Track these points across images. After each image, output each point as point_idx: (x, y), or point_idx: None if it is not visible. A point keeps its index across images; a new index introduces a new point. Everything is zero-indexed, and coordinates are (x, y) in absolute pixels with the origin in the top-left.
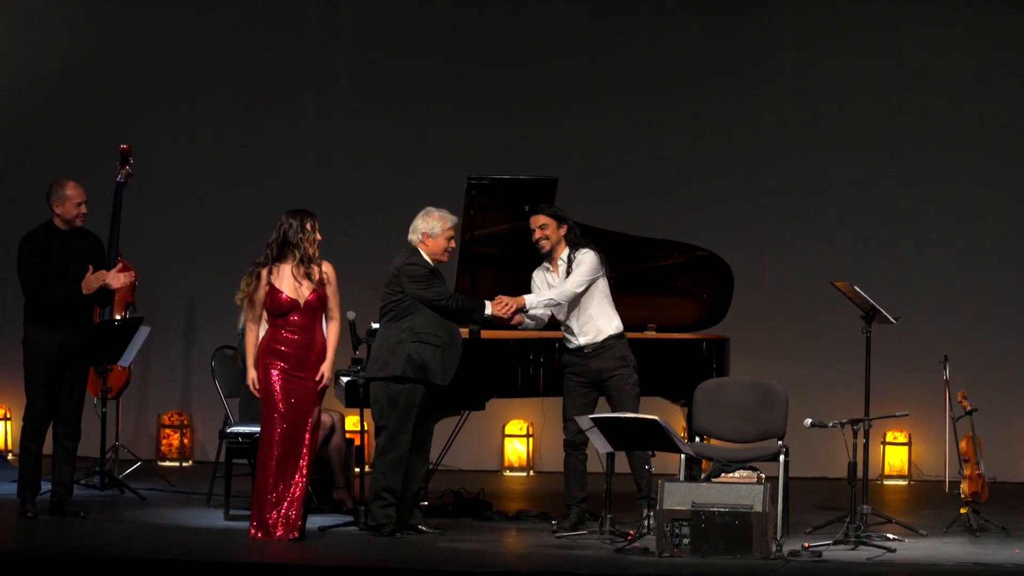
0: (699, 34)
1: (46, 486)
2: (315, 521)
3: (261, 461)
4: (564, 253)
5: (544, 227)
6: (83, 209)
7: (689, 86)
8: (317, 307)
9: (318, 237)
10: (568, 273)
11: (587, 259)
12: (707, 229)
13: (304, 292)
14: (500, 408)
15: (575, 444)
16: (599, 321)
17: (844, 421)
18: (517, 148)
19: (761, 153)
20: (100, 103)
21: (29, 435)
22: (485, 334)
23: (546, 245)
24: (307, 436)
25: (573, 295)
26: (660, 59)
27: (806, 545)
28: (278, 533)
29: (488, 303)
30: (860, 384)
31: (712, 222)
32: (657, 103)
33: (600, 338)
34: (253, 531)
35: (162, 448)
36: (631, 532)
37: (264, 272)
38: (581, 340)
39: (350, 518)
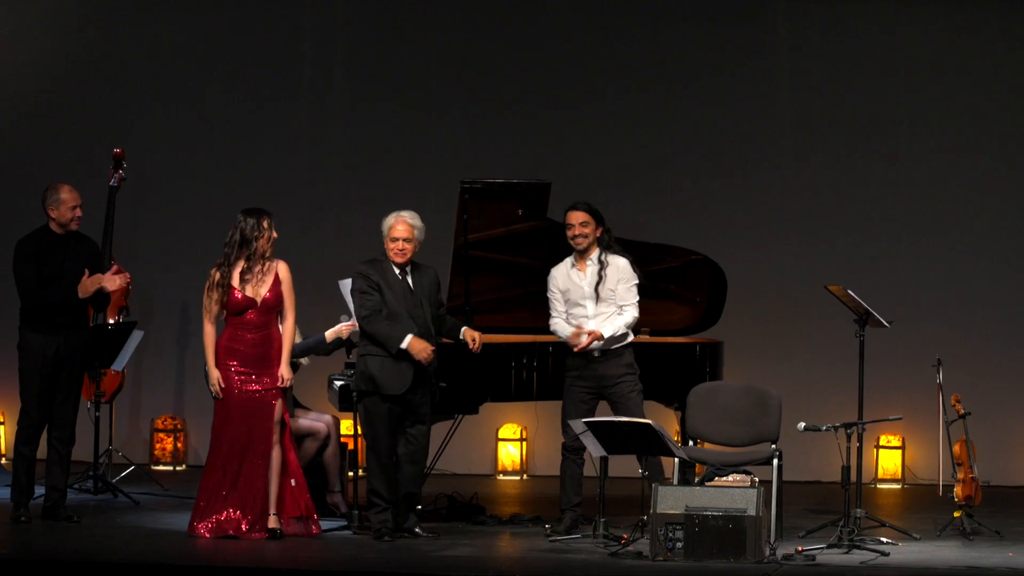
0: (691, 36)
1: (39, 490)
2: None
3: (212, 459)
4: (595, 254)
5: (585, 224)
6: (78, 212)
7: (682, 89)
8: (273, 306)
9: (274, 235)
10: (599, 276)
11: (628, 268)
12: (701, 233)
13: (261, 291)
14: (493, 412)
15: (574, 448)
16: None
17: (838, 425)
18: (511, 152)
19: (754, 156)
20: (93, 107)
21: (23, 440)
22: (482, 338)
23: (583, 243)
24: (272, 434)
25: (635, 316)
26: (652, 61)
27: (799, 549)
28: (242, 532)
29: (409, 337)
30: (853, 388)
31: (706, 226)
32: (650, 106)
33: (612, 345)
34: (198, 530)
35: (155, 452)
36: (625, 536)
37: (214, 271)
38: (594, 344)
39: (344, 522)
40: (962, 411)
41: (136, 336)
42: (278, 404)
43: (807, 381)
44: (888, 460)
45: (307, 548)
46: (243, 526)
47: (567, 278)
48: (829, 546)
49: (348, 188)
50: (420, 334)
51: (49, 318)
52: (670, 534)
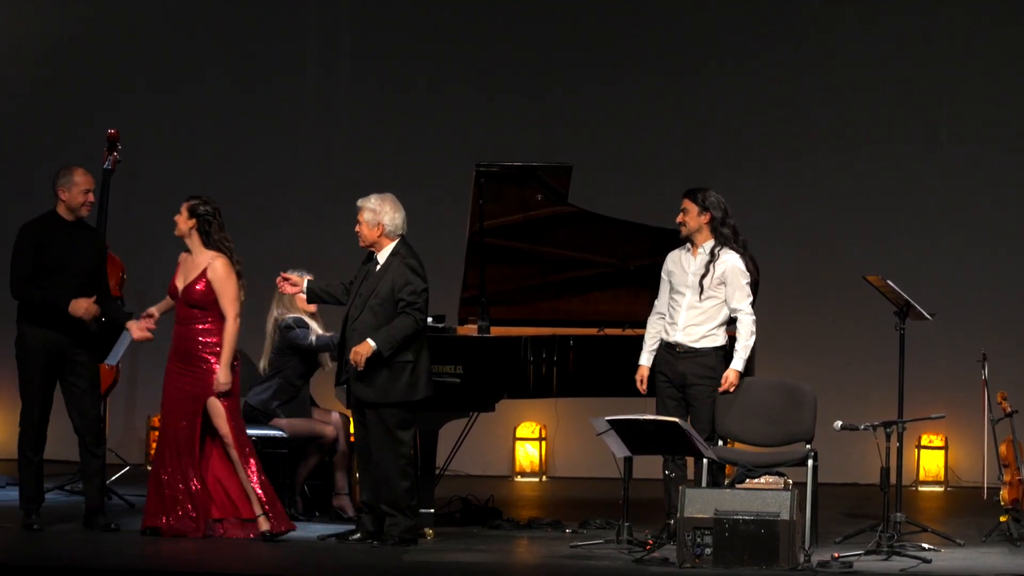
0: (725, 17)
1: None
2: (315, 529)
3: (156, 456)
4: (708, 243)
5: (684, 211)
6: (90, 198)
7: (714, 72)
8: (192, 300)
9: (188, 224)
10: (706, 268)
11: (737, 266)
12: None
13: (180, 283)
14: (511, 410)
15: None
16: (709, 326)
17: (876, 424)
18: (531, 134)
19: (788, 144)
20: (86, 85)
21: (29, 445)
22: (495, 330)
23: (683, 229)
24: (178, 433)
25: (752, 317)
26: (684, 43)
27: (836, 555)
28: (184, 530)
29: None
30: (893, 384)
31: (738, 215)
32: (680, 89)
33: (698, 345)
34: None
35: (151, 452)
36: (650, 541)
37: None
38: (678, 337)
39: (351, 526)
40: (1009, 409)
41: (127, 335)
42: (211, 404)
43: (844, 377)
44: (930, 461)
45: (311, 553)
46: (191, 525)
47: (677, 260)
48: (867, 552)
49: (355, 172)
50: (352, 321)
51: (50, 310)
52: (698, 539)
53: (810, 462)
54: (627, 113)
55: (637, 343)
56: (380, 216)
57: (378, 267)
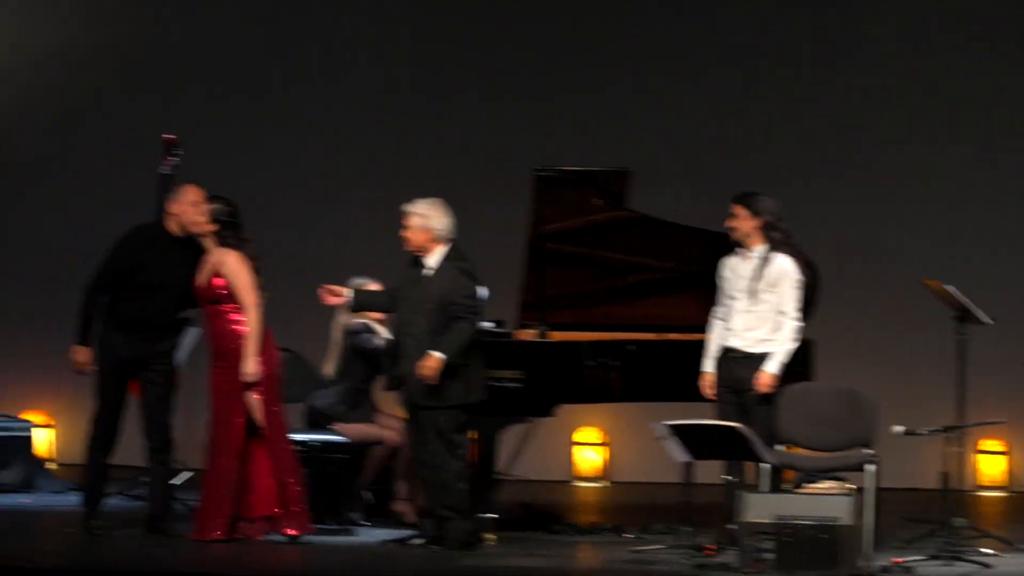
0: (783, 17)
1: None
2: (376, 534)
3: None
4: (761, 248)
5: (734, 215)
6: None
7: (774, 75)
8: (206, 296)
9: (197, 219)
10: (760, 269)
11: (788, 269)
12: (791, 225)
13: (199, 278)
14: (571, 415)
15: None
16: (765, 331)
17: (937, 428)
18: (592, 138)
19: (845, 146)
20: (145, 91)
21: (96, 445)
22: (554, 335)
23: (733, 234)
24: (231, 433)
25: (797, 325)
26: (745, 45)
27: (896, 560)
28: (213, 535)
29: None
30: (953, 389)
31: (796, 218)
32: (740, 92)
33: (755, 349)
34: (195, 534)
35: None
36: (711, 546)
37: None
38: (735, 342)
39: (412, 531)
40: None
41: (192, 333)
42: (249, 400)
43: (904, 382)
44: (991, 466)
45: (375, 557)
46: (223, 527)
47: (731, 266)
48: (928, 557)
49: (405, 177)
50: (404, 325)
51: (140, 323)
52: (759, 544)
53: (871, 467)
54: (689, 119)
55: (696, 348)
56: (429, 221)
57: (429, 272)
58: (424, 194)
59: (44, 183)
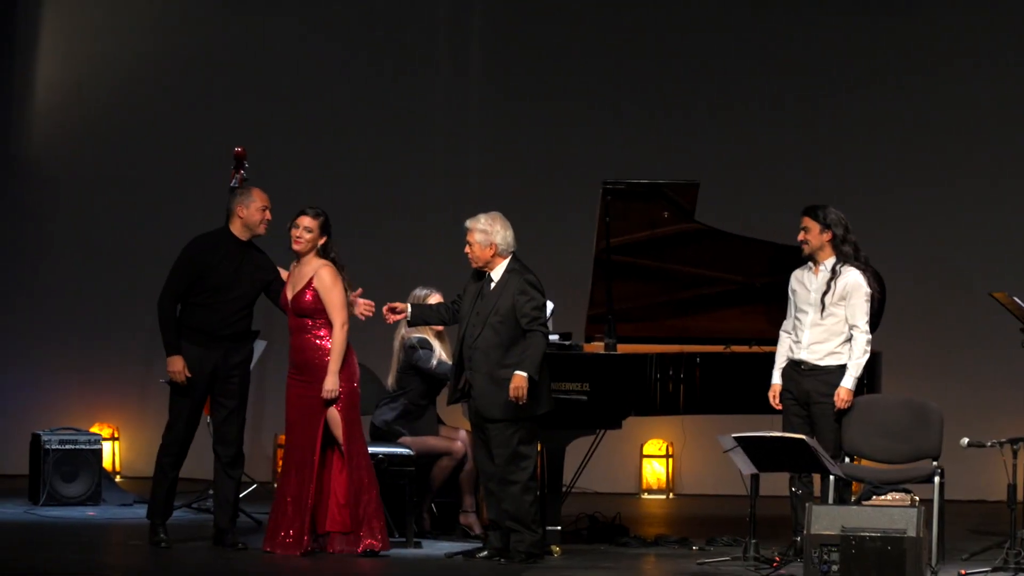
0: (849, 33)
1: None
2: (442, 547)
3: (282, 473)
4: (830, 260)
5: (806, 229)
6: (268, 215)
7: (834, 82)
8: (303, 310)
9: (305, 235)
10: (828, 286)
11: (859, 281)
12: (863, 239)
13: (290, 292)
14: (638, 427)
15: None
16: (833, 344)
17: (1003, 440)
18: (658, 151)
19: (915, 158)
20: (214, 104)
21: (169, 461)
22: (622, 348)
23: (805, 248)
24: (312, 445)
25: (867, 336)
26: (809, 60)
27: (963, 572)
28: (288, 549)
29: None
30: (1020, 401)
31: (862, 230)
32: (805, 106)
33: (824, 362)
34: (266, 547)
35: (279, 469)
36: (777, 559)
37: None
38: (803, 355)
39: (479, 544)
40: None
41: (259, 346)
42: (330, 415)
43: (970, 394)
44: None
45: (440, 571)
46: (297, 541)
47: (800, 279)
48: (994, 569)
49: (482, 190)
50: (472, 340)
51: (210, 330)
52: (825, 556)
53: (937, 479)
54: (754, 131)
55: (764, 360)
56: (492, 236)
57: (493, 285)
58: (489, 207)
59: (110, 197)
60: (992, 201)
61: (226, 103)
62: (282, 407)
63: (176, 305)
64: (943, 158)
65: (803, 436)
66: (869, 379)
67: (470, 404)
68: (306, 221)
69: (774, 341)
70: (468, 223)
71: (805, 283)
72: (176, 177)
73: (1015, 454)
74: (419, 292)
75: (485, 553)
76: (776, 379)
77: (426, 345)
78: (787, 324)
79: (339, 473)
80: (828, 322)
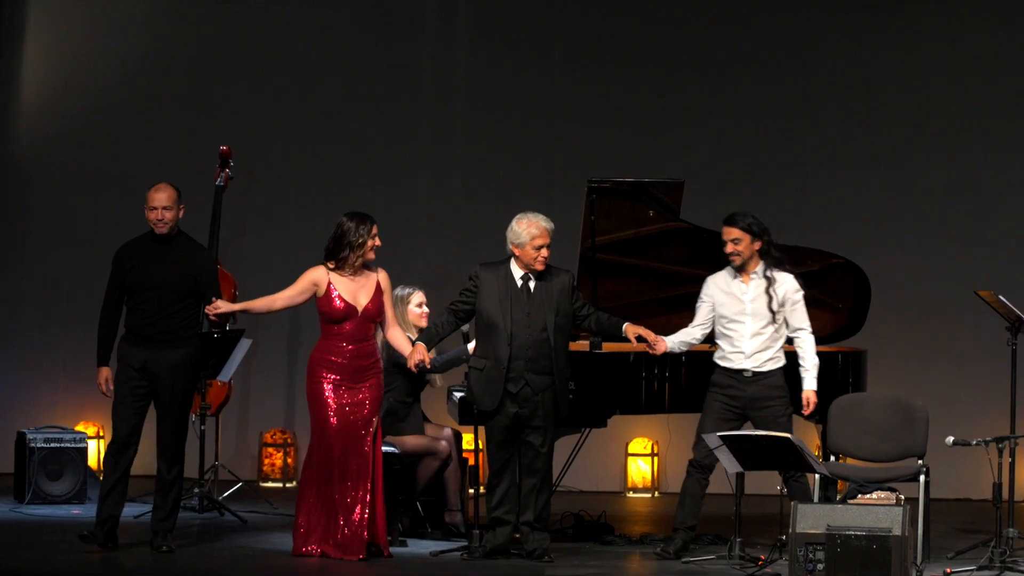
0: (828, 25)
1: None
2: (426, 546)
3: (319, 478)
4: (759, 267)
5: (737, 241)
6: (164, 215)
7: (819, 81)
8: (374, 316)
9: (377, 243)
10: (769, 294)
11: (796, 286)
12: (842, 235)
13: (361, 300)
14: (623, 426)
15: (702, 466)
16: (775, 351)
17: (989, 439)
18: (639, 150)
19: (899, 153)
20: (199, 103)
21: (109, 461)
22: (607, 346)
23: (737, 260)
24: (369, 451)
25: (813, 336)
26: (790, 53)
27: (948, 571)
28: (340, 554)
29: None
30: (1006, 400)
31: (848, 227)
32: (787, 100)
33: (766, 368)
34: (303, 549)
35: (264, 468)
36: (762, 557)
37: (322, 268)
38: (745, 364)
39: (464, 542)
40: None
41: (244, 345)
42: (375, 420)
43: (956, 393)
44: None
45: (418, 570)
46: (339, 549)
47: (726, 289)
48: (979, 568)
49: (469, 188)
50: (532, 341)
51: (136, 331)
52: (810, 555)
53: (922, 478)
54: (737, 128)
55: None
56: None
57: (535, 284)
58: (473, 203)
59: (96, 195)
60: (979, 199)
61: (212, 101)
62: (268, 405)
63: (114, 314)
64: (931, 143)
65: (789, 435)
66: (854, 377)
67: (517, 409)
68: (377, 230)
69: None
70: (545, 223)
71: (735, 293)
72: (162, 175)
73: (1000, 453)
74: (400, 292)
75: (478, 552)
76: (672, 343)
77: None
78: (694, 330)
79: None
80: (769, 330)
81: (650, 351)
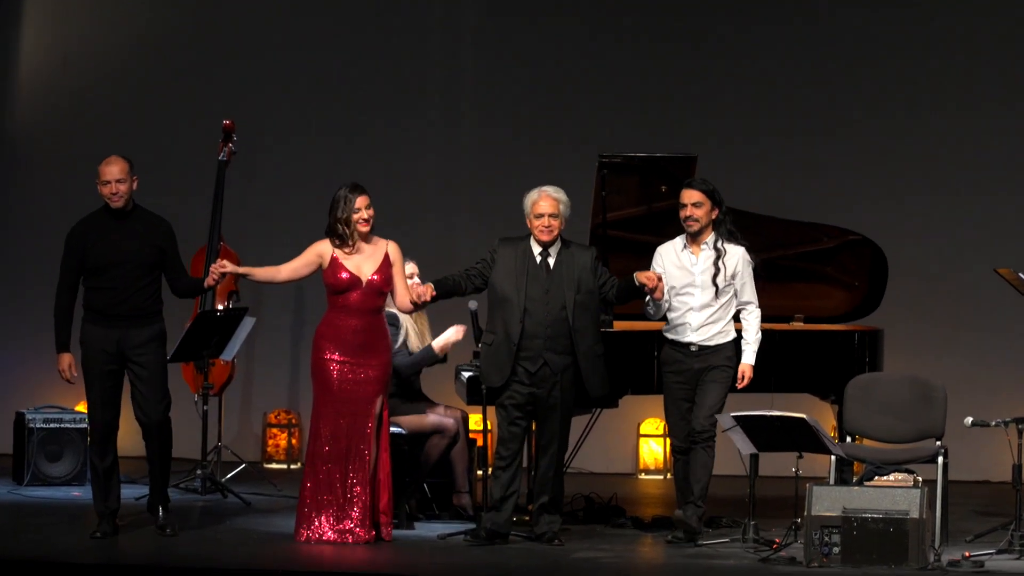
0: (848, 12)
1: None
2: (434, 528)
3: (320, 456)
4: (710, 238)
5: (698, 204)
6: (114, 189)
7: (838, 61)
8: (380, 288)
9: (365, 215)
10: (717, 267)
11: (746, 259)
12: (859, 211)
13: (366, 270)
14: (634, 406)
15: (684, 451)
16: (723, 324)
17: (1008, 420)
18: (654, 125)
19: (918, 129)
20: (202, 77)
21: (93, 448)
22: (618, 325)
23: (694, 225)
24: (371, 432)
25: (759, 310)
26: (806, 31)
27: (967, 554)
28: (349, 538)
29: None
30: None
31: (864, 204)
32: (803, 78)
33: (714, 342)
34: (304, 535)
35: (268, 449)
36: (777, 540)
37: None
38: (691, 337)
39: (472, 524)
40: None
41: (247, 323)
42: (379, 400)
43: (975, 372)
44: None
45: (425, 553)
46: (345, 532)
47: (676, 259)
48: (999, 551)
49: (478, 163)
50: (551, 319)
51: (104, 311)
52: (826, 538)
53: (940, 459)
54: (753, 104)
55: (765, 338)
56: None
57: (553, 260)
58: (483, 180)
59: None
60: (995, 177)
61: (214, 75)
62: (272, 385)
63: (69, 297)
64: (953, 120)
65: (804, 416)
66: (871, 356)
67: (534, 389)
68: (367, 201)
69: (773, 318)
70: (553, 192)
71: (685, 264)
72: (164, 150)
73: (1020, 433)
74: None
75: (481, 534)
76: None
77: (394, 322)
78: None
79: (383, 460)
80: (719, 301)
81: (650, 295)
